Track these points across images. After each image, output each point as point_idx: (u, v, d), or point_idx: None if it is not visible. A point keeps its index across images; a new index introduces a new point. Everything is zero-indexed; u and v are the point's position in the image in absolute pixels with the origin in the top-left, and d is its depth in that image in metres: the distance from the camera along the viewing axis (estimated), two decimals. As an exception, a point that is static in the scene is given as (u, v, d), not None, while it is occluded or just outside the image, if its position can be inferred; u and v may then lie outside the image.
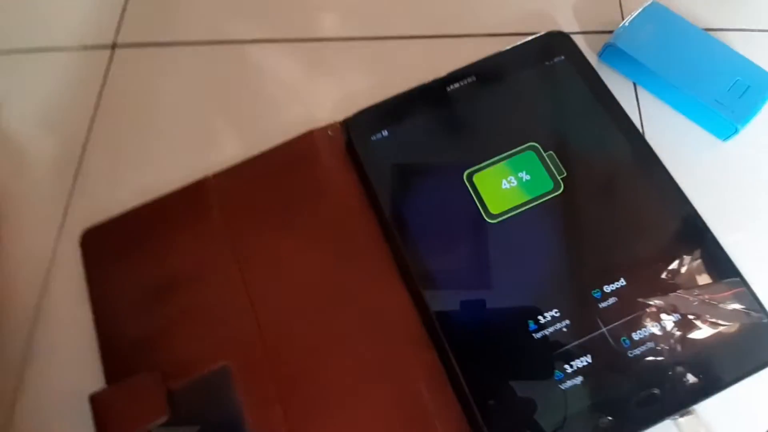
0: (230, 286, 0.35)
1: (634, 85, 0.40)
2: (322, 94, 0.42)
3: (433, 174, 0.37)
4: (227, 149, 0.41)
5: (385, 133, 0.38)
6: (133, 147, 0.41)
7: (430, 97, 0.39)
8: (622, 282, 0.34)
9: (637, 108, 0.40)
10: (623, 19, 0.42)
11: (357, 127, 0.39)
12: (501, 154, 0.37)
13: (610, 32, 0.42)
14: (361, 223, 0.37)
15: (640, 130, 0.39)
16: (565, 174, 0.36)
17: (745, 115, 0.36)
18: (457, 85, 0.39)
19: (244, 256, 0.36)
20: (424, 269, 0.34)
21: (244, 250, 0.36)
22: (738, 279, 0.33)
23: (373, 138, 0.38)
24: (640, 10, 0.40)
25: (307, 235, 0.37)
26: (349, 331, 0.34)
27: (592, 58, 0.41)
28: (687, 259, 0.34)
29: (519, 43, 0.41)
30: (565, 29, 0.41)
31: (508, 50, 0.40)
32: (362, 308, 0.34)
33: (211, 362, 0.34)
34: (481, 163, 0.37)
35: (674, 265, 0.34)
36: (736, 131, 0.37)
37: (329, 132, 0.40)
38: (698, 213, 0.35)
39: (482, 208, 0.36)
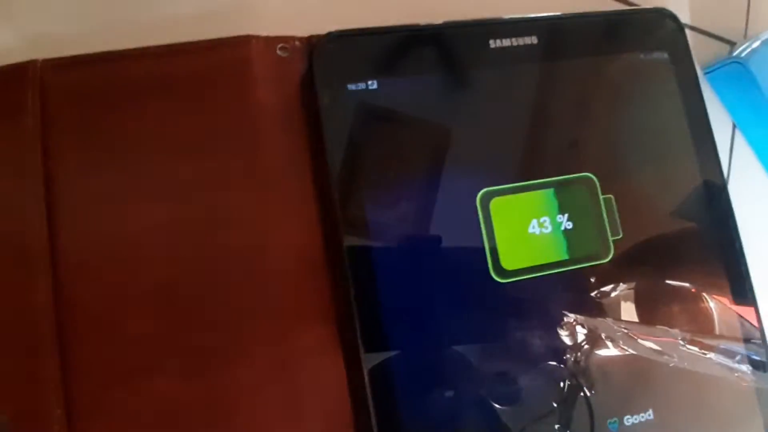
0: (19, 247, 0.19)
1: (734, 126, 0.28)
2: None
3: (429, 177, 0.23)
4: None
5: (372, 83, 0.23)
6: None
7: (460, 47, 0.24)
8: (650, 414, 0.23)
9: (728, 159, 0.28)
10: (746, 28, 0.29)
11: (327, 59, 0.22)
12: (542, 176, 0.23)
13: (726, 42, 0.29)
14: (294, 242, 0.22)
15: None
16: (621, 236, 0.24)
17: None
18: (507, 42, 0.24)
19: (60, 196, 0.20)
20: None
21: (65, 188, 0.20)
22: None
23: (351, 86, 0.22)
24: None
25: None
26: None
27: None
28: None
29: (613, 9, 0.26)
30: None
31: (593, 14, 0.26)
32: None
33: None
34: (508, 182, 0.23)
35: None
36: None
37: (278, 49, 0.23)
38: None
39: (492, 255, 0.22)
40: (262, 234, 0.21)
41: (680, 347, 0.23)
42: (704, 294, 0.24)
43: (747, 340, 0.24)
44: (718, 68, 0.27)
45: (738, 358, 0.24)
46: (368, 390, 0.20)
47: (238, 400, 0.20)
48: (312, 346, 0.21)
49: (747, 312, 0.25)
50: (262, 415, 0.20)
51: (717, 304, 0.24)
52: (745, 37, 0.29)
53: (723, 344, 0.24)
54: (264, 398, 0.20)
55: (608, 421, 0.22)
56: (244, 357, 0.20)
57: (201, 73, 0.22)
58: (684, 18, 0.29)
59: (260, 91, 0.22)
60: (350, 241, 0.21)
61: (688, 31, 0.29)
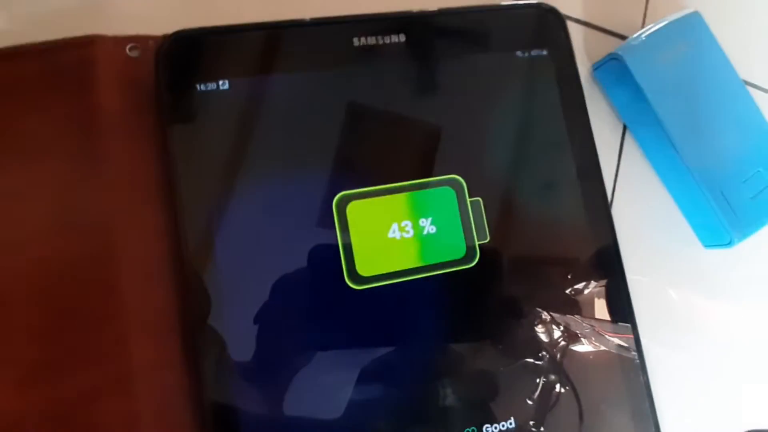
0: None
1: (624, 128, 0.27)
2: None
3: (283, 181, 0.22)
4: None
5: (224, 84, 0.22)
6: None
7: (321, 44, 0.23)
8: (511, 423, 0.22)
9: (615, 163, 0.27)
10: (644, 23, 0.28)
11: (173, 60, 0.21)
12: (404, 179, 0.23)
13: (622, 38, 0.28)
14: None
15: (608, 197, 0.26)
16: (488, 240, 0.23)
17: (751, 225, 0.25)
18: (372, 39, 0.23)
19: None
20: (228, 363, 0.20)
21: None
22: None
23: (201, 87, 0.22)
24: (672, 18, 0.26)
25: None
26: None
27: (584, 69, 0.27)
28: None
29: (489, 4, 0.25)
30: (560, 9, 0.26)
31: (467, 9, 0.25)
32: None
33: None
34: (366, 185, 0.22)
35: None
36: (728, 243, 0.25)
37: (128, 50, 0.22)
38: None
39: (347, 261, 0.22)
40: (105, 243, 0.21)
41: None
42: (577, 303, 0.23)
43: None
44: (602, 65, 0.26)
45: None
46: (208, 412, 0.20)
47: (74, 413, 0.20)
48: (154, 360, 0.21)
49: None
50: (99, 429, 0.20)
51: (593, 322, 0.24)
52: (641, 32, 0.28)
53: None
54: (101, 412, 0.20)
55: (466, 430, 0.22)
56: (81, 369, 0.20)
57: (44, 75, 0.21)
58: (577, 12, 0.28)
59: (105, 94, 0.21)
60: (194, 252, 0.21)
61: (580, 27, 0.28)
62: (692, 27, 0.26)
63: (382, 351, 0.22)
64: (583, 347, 0.23)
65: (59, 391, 0.20)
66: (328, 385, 0.21)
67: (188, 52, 0.22)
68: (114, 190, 0.21)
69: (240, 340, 0.20)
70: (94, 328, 0.20)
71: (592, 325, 0.24)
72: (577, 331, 0.23)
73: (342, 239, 0.22)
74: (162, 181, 0.21)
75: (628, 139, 0.27)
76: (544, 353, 0.23)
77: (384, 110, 0.23)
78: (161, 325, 0.21)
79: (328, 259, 0.22)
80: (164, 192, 0.21)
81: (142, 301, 0.21)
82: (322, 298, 0.22)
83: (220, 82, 0.22)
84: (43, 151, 0.21)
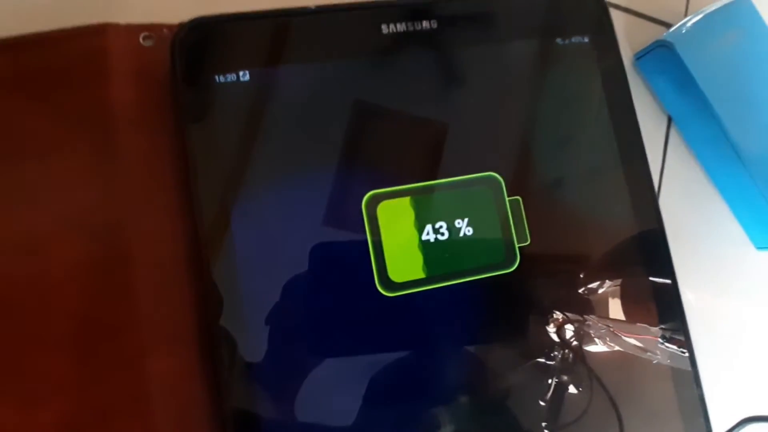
0: None
1: (669, 120, 0.26)
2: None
3: (306, 178, 0.20)
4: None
5: (244, 75, 0.20)
6: None
7: (347, 32, 0.21)
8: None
9: (661, 158, 0.25)
10: (687, 9, 0.26)
11: (190, 49, 0.20)
12: (437, 177, 0.21)
13: (665, 25, 0.26)
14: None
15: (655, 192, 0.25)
16: (528, 242, 0.21)
17: (811, 226, 0.23)
18: (401, 26, 0.22)
19: None
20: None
21: None
22: None
23: (220, 79, 0.20)
24: (721, 3, 0.24)
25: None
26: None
27: (625, 59, 0.25)
28: None
29: (527, -11, 0.23)
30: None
31: (504, -5, 0.23)
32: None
33: None
34: (396, 184, 0.21)
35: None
36: (785, 244, 0.24)
37: (142, 39, 0.21)
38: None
39: (378, 266, 0.20)
40: (119, 244, 0.19)
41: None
42: (622, 308, 0.22)
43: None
44: (647, 53, 0.24)
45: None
46: (229, 422, 0.18)
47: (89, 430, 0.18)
48: (170, 372, 0.19)
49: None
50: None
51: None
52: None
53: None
54: (118, 428, 0.18)
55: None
56: (92, 382, 0.18)
57: (53, 67, 0.20)
58: (618, -1, 0.26)
59: (118, 86, 0.20)
60: (213, 254, 0.19)
61: (622, 14, 0.26)
62: (742, 12, 0.24)
63: (414, 360, 0.20)
64: (630, 354, 0.22)
65: (68, 407, 0.18)
66: (354, 395, 0.19)
67: (206, 41, 0.20)
68: (129, 189, 0.20)
69: (261, 346, 0.19)
70: (105, 337, 0.19)
71: (640, 333, 0.22)
72: (623, 339, 0.22)
73: (373, 242, 0.20)
74: (179, 178, 0.20)
75: (673, 133, 0.25)
76: (581, 363, 0.21)
77: (417, 101, 0.21)
78: (178, 334, 0.19)
79: (358, 264, 0.20)
80: (182, 190, 0.20)
81: (158, 307, 0.19)
82: (351, 305, 0.20)
83: (241, 73, 0.20)
84: (55, 148, 0.19)
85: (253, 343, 0.19)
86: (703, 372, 0.22)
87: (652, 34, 0.25)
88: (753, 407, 0.24)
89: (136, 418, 0.19)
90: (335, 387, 0.19)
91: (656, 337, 0.22)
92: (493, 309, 0.21)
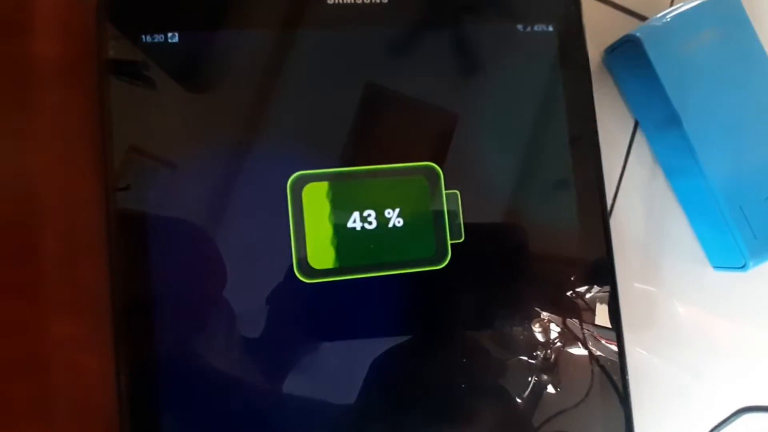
0: None
1: (635, 126, 0.24)
2: None
3: (231, 151, 0.19)
4: None
5: (173, 36, 0.19)
6: None
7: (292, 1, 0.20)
8: None
9: (621, 163, 0.24)
10: (672, 4, 0.25)
11: (116, 6, 0.19)
12: (371, 163, 0.20)
13: (644, 19, 0.24)
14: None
15: (610, 201, 0.23)
16: (462, 239, 0.20)
17: (769, 249, 0.22)
18: (349, -1, 0.20)
19: None
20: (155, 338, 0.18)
21: None
22: None
23: (147, 38, 0.19)
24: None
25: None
26: None
27: (596, 54, 0.23)
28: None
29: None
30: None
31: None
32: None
33: None
34: (326, 166, 0.20)
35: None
36: (742, 267, 0.22)
37: (68, -12, 0.19)
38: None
39: (298, 250, 0.19)
40: (29, 207, 0.19)
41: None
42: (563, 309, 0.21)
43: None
44: (613, 49, 0.22)
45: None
46: (126, 401, 0.18)
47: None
48: (73, 338, 0.19)
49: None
50: (5, 413, 0.18)
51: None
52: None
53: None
54: (9, 394, 0.18)
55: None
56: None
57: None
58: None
59: (41, 40, 0.19)
60: (127, 226, 0.18)
61: (599, 5, 0.24)
62: (726, 10, 0.22)
63: (326, 351, 0.19)
64: (570, 351, 0.21)
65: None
66: (261, 384, 0.19)
67: (135, -2, 0.19)
68: (46, 150, 0.19)
69: (168, 324, 0.18)
70: (12, 295, 0.18)
71: (577, 333, 0.21)
72: (552, 338, 0.21)
73: (294, 226, 0.19)
74: (99, 141, 0.19)
75: (639, 138, 0.24)
76: (529, 358, 0.20)
77: (354, 79, 0.20)
78: (85, 303, 0.19)
79: (277, 247, 0.19)
80: (100, 155, 0.19)
81: (62, 273, 0.19)
82: (266, 289, 0.19)
83: (169, 35, 0.19)
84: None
85: (159, 320, 0.18)
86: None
87: (628, 28, 0.23)
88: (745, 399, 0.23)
89: (33, 377, 0.18)
90: (243, 371, 0.19)
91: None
92: (418, 305, 0.20)
